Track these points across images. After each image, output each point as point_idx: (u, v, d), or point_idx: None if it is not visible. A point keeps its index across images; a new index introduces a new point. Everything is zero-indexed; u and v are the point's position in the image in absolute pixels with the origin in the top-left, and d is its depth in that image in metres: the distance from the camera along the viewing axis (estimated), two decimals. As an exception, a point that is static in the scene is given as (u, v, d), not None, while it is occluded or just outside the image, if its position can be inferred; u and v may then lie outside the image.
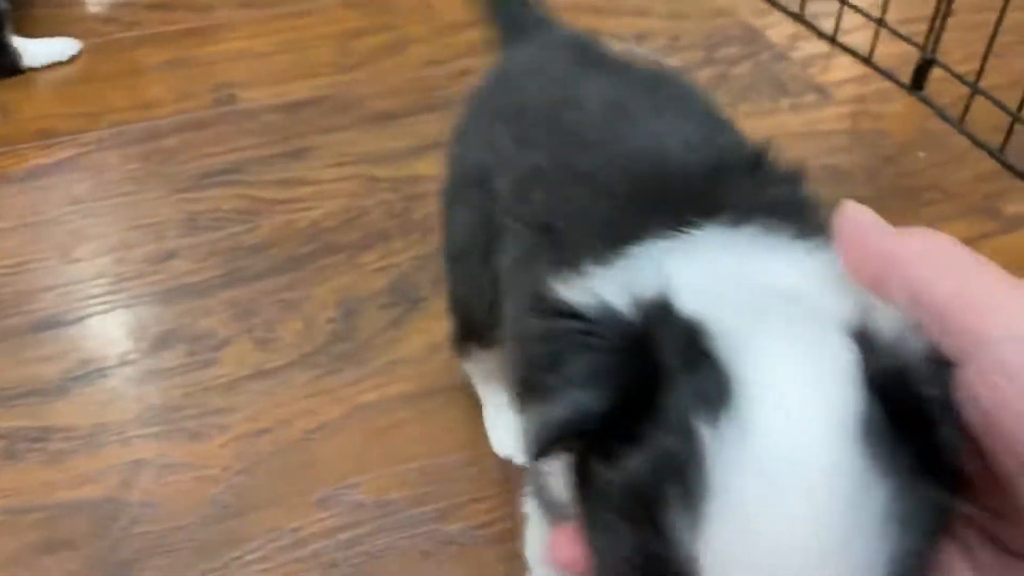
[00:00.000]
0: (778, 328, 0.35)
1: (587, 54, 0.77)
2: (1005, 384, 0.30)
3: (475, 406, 1.02)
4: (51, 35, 1.59)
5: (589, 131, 0.63)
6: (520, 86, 0.76)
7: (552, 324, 0.37)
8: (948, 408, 0.31)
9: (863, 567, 0.30)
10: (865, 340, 0.34)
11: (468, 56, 1.58)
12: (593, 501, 0.36)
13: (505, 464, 0.96)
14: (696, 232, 0.44)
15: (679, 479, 0.31)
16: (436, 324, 1.11)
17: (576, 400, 0.34)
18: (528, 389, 0.41)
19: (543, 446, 0.35)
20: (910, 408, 0.32)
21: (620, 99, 0.66)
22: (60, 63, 1.55)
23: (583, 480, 0.37)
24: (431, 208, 1.28)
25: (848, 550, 0.30)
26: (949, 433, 0.31)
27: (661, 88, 0.70)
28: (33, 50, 1.54)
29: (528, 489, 0.64)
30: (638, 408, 0.34)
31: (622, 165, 0.58)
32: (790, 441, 0.31)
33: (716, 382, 0.33)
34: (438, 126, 1.43)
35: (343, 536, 0.90)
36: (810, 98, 1.52)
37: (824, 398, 0.32)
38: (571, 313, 0.36)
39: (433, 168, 1.35)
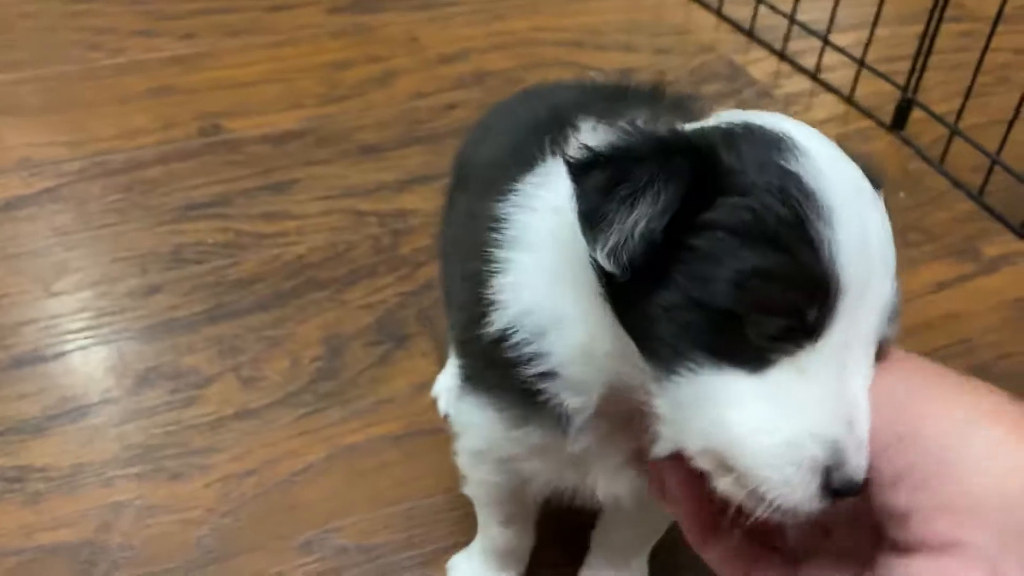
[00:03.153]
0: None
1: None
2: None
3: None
4: (33, 60, 1.58)
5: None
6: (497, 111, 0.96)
7: (595, 162, 0.49)
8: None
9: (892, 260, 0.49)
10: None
11: (455, 89, 1.59)
12: (687, 263, 0.47)
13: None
14: None
15: (808, 206, 0.45)
16: (422, 363, 1.11)
17: (660, 194, 0.46)
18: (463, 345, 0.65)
19: (647, 241, 0.46)
20: None
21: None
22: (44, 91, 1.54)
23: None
24: (418, 243, 1.28)
25: (891, 250, 0.49)
26: None
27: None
28: None
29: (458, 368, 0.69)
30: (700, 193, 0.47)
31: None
32: (852, 185, 0.48)
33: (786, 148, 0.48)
34: (425, 159, 1.44)
35: (327, 582, 0.89)
36: (793, 136, 1.53)
37: (853, 169, 0.50)
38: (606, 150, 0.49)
39: (420, 202, 1.35)
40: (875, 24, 1.55)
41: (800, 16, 1.70)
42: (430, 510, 0.96)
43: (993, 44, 1.39)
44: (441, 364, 1.09)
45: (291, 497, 0.97)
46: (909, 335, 1.17)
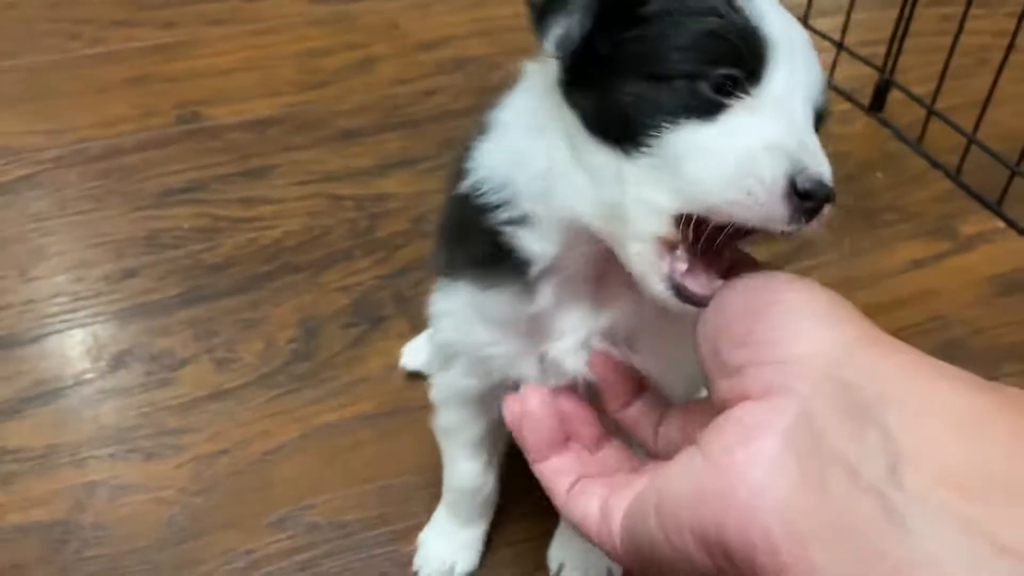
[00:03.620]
0: None
1: None
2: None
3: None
4: (12, 50, 1.58)
5: None
6: None
7: None
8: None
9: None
10: None
11: (435, 76, 1.59)
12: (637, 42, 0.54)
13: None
14: None
15: None
16: (397, 344, 1.11)
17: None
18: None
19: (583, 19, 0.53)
20: None
21: None
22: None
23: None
24: (395, 227, 1.28)
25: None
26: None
27: None
28: None
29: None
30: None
31: None
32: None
33: None
34: (403, 144, 1.44)
35: (298, 558, 0.89)
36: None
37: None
38: None
39: (398, 186, 1.35)
40: (852, 7, 1.55)
41: (780, 1, 1.70)
42: (402, 488, 0.96)
43: (973, 27, 1.40)
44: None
45: (264, 476, 0.97)
46: (884, 312, 1.17)
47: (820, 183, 0.49)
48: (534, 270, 0.61)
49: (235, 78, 1.57)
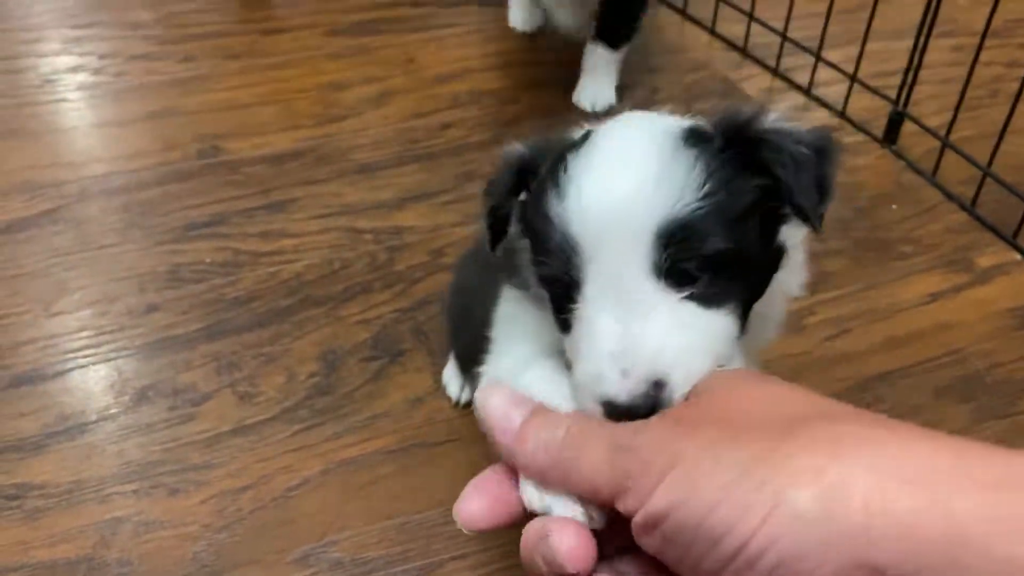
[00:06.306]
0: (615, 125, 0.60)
1: None
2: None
3: (455, 461, 1.02)
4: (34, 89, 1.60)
5: None
6: None
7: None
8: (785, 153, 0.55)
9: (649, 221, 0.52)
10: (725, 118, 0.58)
11: (451, 109, 1.61)
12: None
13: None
14: None
15: (555, 188, 0.55)
16: (417, 378, 1.12)
17: (496, 194, 0.62)
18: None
19: (495, 223, 0.62)
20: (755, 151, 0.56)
21: None
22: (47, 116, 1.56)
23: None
24: (414, 260, 1.29)
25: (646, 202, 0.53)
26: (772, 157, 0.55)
27: None
28: None
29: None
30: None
31: None
32: (611, 155, 0.55)
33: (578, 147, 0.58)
34: (421, 177, 1.45)
35: (322, 596, 0.90)
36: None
37: (639, 140, 0.56)
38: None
39: (416, 219, 1.36)
40: (865, 39, 1.56)
41: (792, 33, 1.72)
42: (424, 524, 0.96)
43: (986, 58, 1.41)
44: (436, 379, 1.11)
45: (287, 512, 0.97)
46: (901, 345, 1.18)
47: (609, 404, 0.52)
48: None
49: (254, 112, 1.59)
